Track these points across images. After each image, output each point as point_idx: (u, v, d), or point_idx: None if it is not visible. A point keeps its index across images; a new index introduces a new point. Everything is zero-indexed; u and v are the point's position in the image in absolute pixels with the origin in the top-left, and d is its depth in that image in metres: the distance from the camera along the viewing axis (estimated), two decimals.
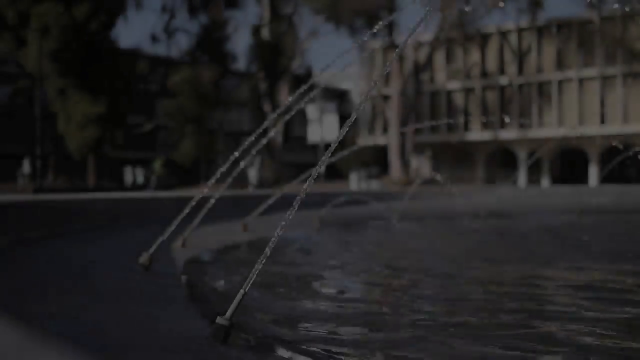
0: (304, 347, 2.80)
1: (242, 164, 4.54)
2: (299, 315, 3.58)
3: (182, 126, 45.08)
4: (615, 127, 43.80)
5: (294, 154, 71.43)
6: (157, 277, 4.13)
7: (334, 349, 2.79)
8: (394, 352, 2.84)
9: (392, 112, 43.98)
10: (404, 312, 3.81)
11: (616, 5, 40.14)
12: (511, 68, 48.77)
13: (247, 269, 5.21)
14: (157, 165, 33.65)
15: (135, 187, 45.69)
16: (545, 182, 47.56)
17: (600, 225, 10.98)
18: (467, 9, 38.36)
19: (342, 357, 2.70)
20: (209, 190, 4.96)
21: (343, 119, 46.42)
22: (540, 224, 11.45)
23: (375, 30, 4.04)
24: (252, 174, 35.37)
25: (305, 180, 4.31)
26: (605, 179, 35.96)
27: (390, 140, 44.56)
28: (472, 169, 51.55)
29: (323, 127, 39.86)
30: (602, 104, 45.12)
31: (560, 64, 46.84)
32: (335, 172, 57.35)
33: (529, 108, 47.59)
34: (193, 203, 4.68)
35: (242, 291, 2.59)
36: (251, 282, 2.61)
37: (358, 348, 2.87)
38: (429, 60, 46.63)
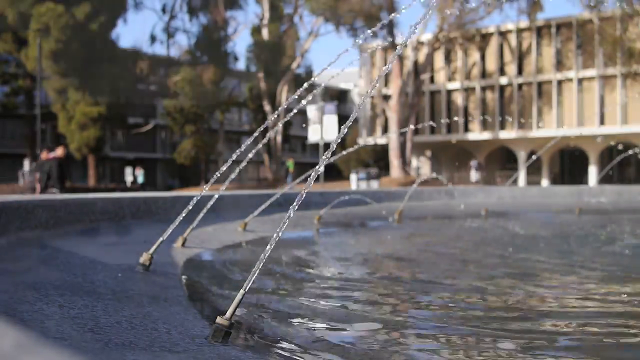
0: (304, 346, 2.80)
1: None
2: (299, 314, 3.58)
3: (182, 126, 45.10)
4: (614, 127, 43.81)
5: (293, 154, 71.47)
6: (157, 276, 4.14)
7: (334, 349, 2.80)
8: (395, 351, 2.84)
9: (392, 112, 43.98)
10: (405, 313, 3.81)
11: (615, 6, 40.16)
12: (511, 68, 48.77)
13: (247, 269, 5.22)
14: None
15: (134, 186, 45.71)
16: (545, 182, 47.57)
17: (598, 226, 10.99)
18: (466, 8, 38.37)
19: (343, 356, 2.70)
20: (209, 190, 4.97)
21: (343, 119, 46.42)
22: (536, 224, 11.47)
23: (375, 30, 4.05)
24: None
25: (305, 180, 4.31)
26: (604, 179, 35.98)
27: (390, 140, 44.57)
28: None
29: (323, 127, 39.91)
30: (602, 104, 45.12)
31: (559, 64, 46.86)
32: (335, 172, 57.39)
33: (528, 108, 47.59)
34: (193, 202, 4.69)
35: (242, 291, 2.59)
36: (251, 282, 2.61)
37: (359, 347, 2.88)
38: (429, 60, 46.62)
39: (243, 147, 4.30)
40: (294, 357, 2.65)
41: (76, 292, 3.11)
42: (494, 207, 13.84)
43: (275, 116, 4.30)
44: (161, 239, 4.41)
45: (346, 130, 2.89)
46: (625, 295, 4.36)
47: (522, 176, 45.58)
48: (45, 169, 14.64)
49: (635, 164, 46.33)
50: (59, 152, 14.95)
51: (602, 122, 44.94)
